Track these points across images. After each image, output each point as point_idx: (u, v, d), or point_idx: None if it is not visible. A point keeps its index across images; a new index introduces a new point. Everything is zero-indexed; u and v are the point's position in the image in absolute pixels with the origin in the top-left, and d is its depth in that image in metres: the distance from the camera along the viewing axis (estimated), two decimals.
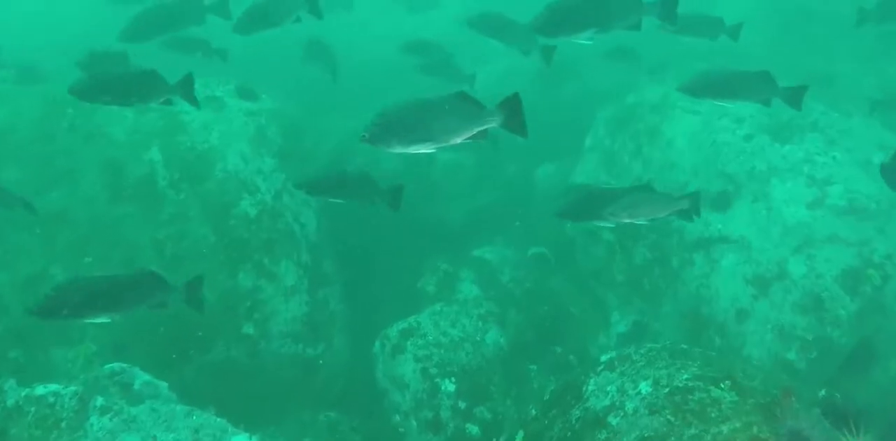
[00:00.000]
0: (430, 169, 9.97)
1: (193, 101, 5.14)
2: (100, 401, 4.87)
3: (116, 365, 5.67)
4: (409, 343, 6.53)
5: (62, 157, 6.60)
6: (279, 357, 6.66)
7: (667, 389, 4.19)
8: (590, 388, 4.71)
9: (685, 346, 4.76)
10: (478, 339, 6.77)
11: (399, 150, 3.69)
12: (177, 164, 6.73)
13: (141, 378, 5.73)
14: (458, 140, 3.78)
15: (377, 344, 6.78)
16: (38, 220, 6.25)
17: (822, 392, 4.34)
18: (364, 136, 3.63)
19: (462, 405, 6.26)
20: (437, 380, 6.33)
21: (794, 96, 5.49)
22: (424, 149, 3.73)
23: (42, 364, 6.09)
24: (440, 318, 6.78)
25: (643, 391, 4.29)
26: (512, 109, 3.81)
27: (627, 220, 5.16)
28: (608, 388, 4.53)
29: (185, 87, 5.07)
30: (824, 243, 6.38)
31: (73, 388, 4.88)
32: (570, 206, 5.45)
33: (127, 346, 6.21)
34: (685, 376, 4.24)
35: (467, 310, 6.99)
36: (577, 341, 7.44)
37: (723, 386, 4.07)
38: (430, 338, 6.56)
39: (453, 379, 6.35)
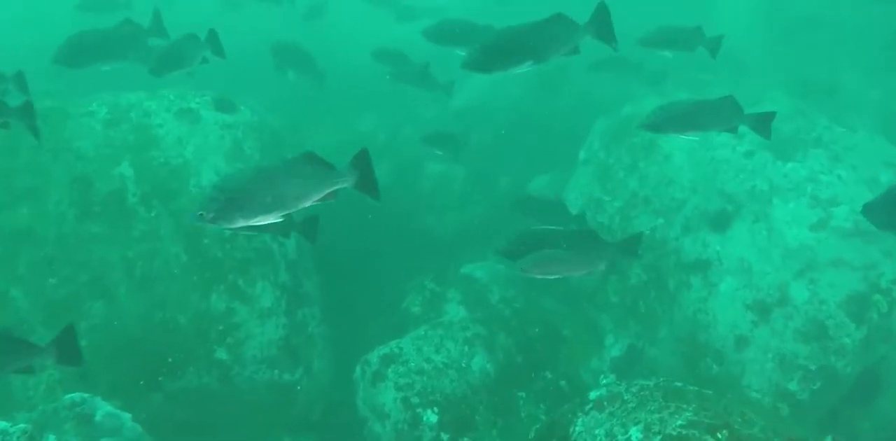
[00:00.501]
0: (419, 181, 9.64)
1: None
2: (51, 439, 4.52)
3: (77, 395, 5.32)
4: (389, 370, 6.18)
5: (27, 172, 6.25)
6: (254, 383, 6.30)
7: (659, 437, 3.83)
8: (577, 428, 4.36)
9: (679, 385, 4.40)
10: (463, 365, 6.41)
11: (243, 223, 3.48)
12: (148, 179, 6.38)
13: (103, 409, 5.39)
14: (308, 204, 3.64)
15: (358, 369, 6.43)
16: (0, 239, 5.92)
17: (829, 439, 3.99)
18: (201, 214, 3.39)
19: (445, 437, 5.90)
20: (419, 410, 5.97)
21: (762, 123, 5.19)
22: (272, 218, 3.52)
23: (0, 392, 5.74)
24: (424, 343, 6.42)
25: (633, 438, 3.94)
26: (363, 168, 3.79)
27: (539, 277, 5.03)
28: (596, 432, 4.18)
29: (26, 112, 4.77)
30: (828, 267, 6.02)
31: (22, 425, 4.53)
32: (510, 247, 5.31)
33: (92, 373, 5.86)
34: (679, 422, 3.89)
35: (453, 333, 6.63)
36: (569, 365, 7.08)
37: (720, 436, 3.72)
38: (413, 364, 6.20)
39: (436, 409, 5.99)
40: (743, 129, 6.94)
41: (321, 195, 3.65)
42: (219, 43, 5.28)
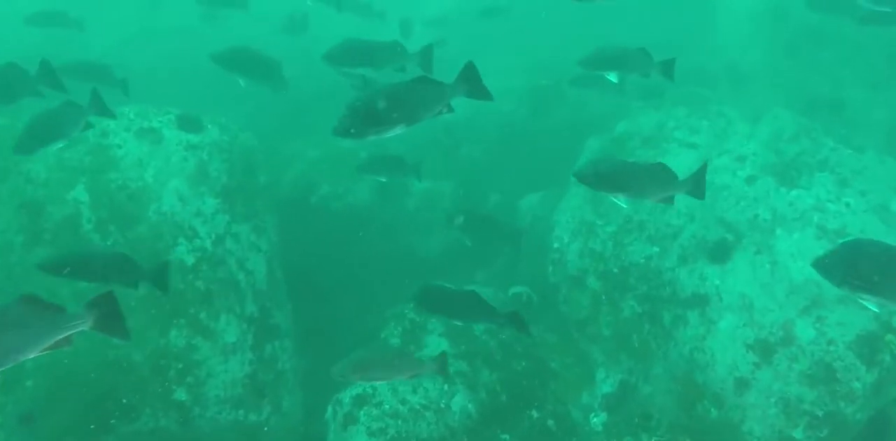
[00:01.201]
0: (404, 198, 9.14)
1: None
2: None
3: None
4: (362, 413, 5.67)
5: None
6: (217, 425, 5.80)
7: None
8: None
9: None
10: (442, 405, 5.91)
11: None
12: (105, 204, 5.88)
13: None
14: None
15: (329, 410, 5.93)
16: None
17: None
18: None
19: None
20: None
21: (697, 186, 4.78)
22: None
23: None
24: (399, 383, 5.91)
25: None
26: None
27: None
28: None
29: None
30: (836, 304, 5.52)
31: None
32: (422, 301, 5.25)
33: (36, 416, 5.36)
34: None
35: None
36: (558, 403, 6.58)
37: None
38: (387, 407, 5.70)
39: None
40: (744, 151, 6.49)
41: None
42: (53, 76, 4.71)
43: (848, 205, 5.91)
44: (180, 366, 5.67)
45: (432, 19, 13.50)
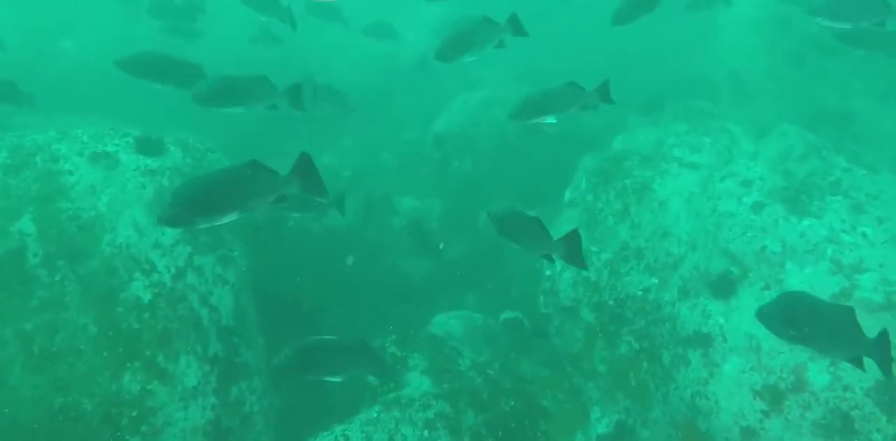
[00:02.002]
0: (390, 218, 8.61)
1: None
2: None
3: None
4: None
5: None
6: None
7: None
8: None
9: None
10: None
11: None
12: (53, 236, 5.34)
13: None
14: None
15: None
16: None
17: None
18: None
19: None
20: None
21: None
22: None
23: None
24: (375, 430, 5.37)
25: None
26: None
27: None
28: None
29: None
30: None
31: None
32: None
33: None
34: None
35: (411, 415, 5.58)
36: None
37: None
38: None
39: None
40: (751, 176, 5.93)
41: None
42: None
43: (864, 235, 5.36)
44: (134, 413, 5.14)
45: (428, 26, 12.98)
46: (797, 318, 3.91)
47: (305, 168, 3.86)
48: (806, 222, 5.37)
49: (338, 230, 7.72)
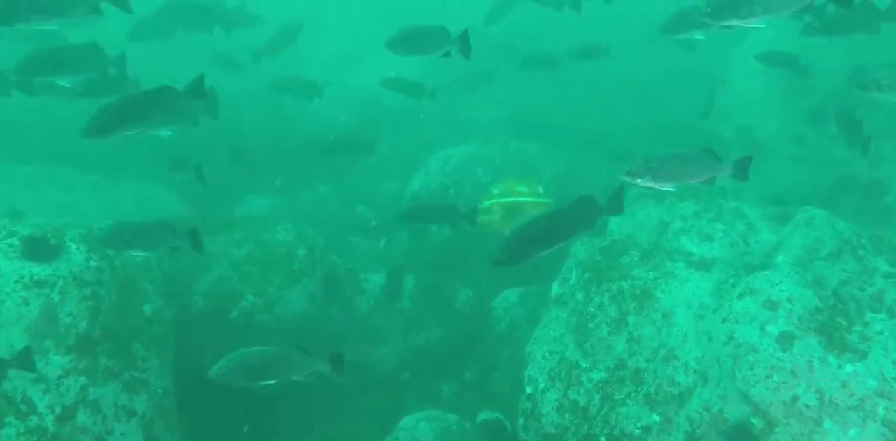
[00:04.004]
0: (355, 299, 7.46)
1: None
2: None
3: None
4: None
5: None
6: None
7: None
8: None
9: None
10: None
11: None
12: None
13: None
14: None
15: None
16: None
17: None
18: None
19: None
20: None
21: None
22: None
23: None
24: None
25: None
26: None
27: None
28: None
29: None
30: None
31: None
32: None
33: None
34: None
35: None
36: None
37: None
38: None
39: None
40: (776, 295, 4.74)
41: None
42: None
43: None
44: None
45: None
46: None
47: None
48: (849, 367, 4.20)
49: (288, 321, 6.58)
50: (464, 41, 5.33)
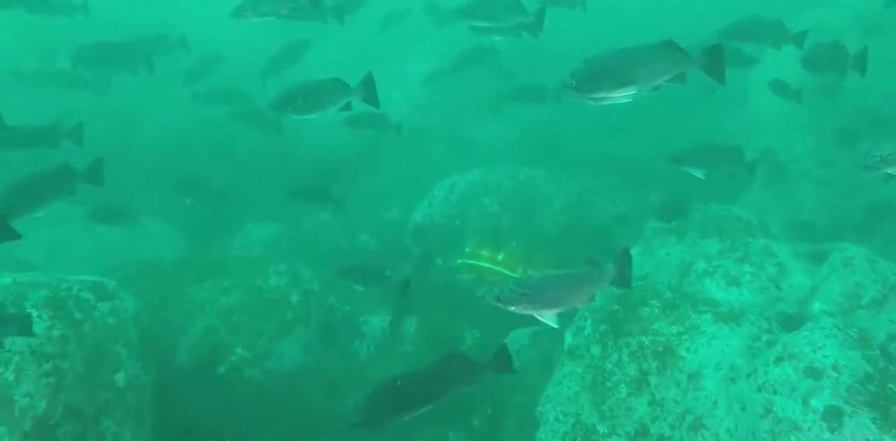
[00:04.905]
0: (353, 344, 6.95)
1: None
2: None
3: None
4: None
5: None
6: None
7: None
8: None
9: None
10: None
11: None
12: None
13: None
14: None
15: None
16: None
17: None
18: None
19: None
20: None
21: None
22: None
23: None
24: None
25: None
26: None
27: None
28: None
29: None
30: None
31: None
32: None
33: None
34: None
35: None
36: None
37: None
38: None
39: None
40: (819, 362, 4.20)
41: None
42: None
43: None
44: None
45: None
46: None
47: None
48: None
49: (281, 376, 6.07)
50: (368, 86, 4.89)
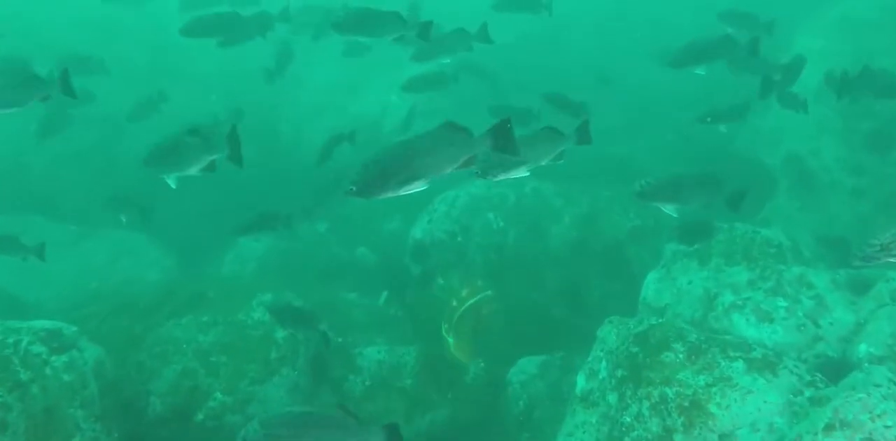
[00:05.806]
0: (350, 377, 6.37)
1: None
2: None
3: None
4: None
5: None
6: None
7: None
8: None
9: None
10: None
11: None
12: None
13: None
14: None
15: None
16: None
17: None
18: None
19: None
20: None
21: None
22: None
23: None
24: None
25: None
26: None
27: None
28: None
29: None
30: None
31: None
32: None
33: None
34: None
35: None
36: None
37: None
38: None
39: None
40: (881, 434, 3.59)
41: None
42: None
43: None
44: None
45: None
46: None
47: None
48: None
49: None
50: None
